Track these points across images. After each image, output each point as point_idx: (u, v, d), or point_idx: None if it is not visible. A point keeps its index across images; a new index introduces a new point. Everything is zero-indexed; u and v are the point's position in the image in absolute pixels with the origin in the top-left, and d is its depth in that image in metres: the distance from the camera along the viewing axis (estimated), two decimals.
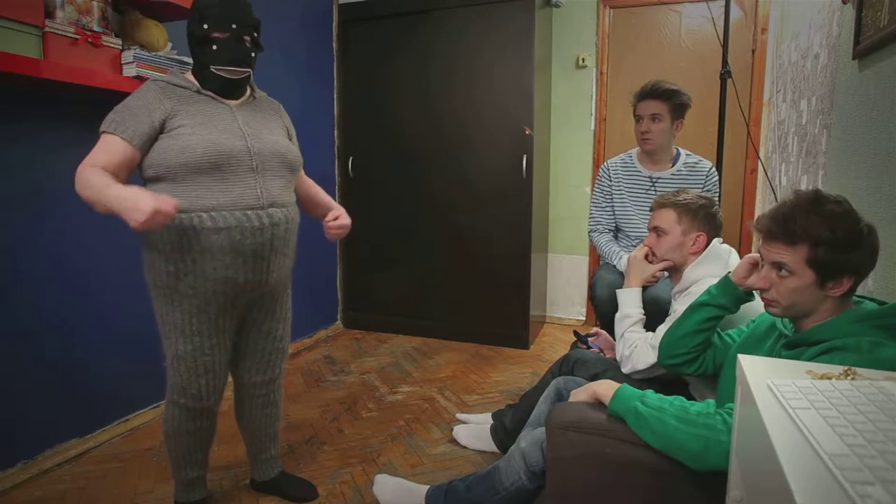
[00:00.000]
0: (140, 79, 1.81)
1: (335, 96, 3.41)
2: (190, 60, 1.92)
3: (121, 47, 1.83)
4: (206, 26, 1.36)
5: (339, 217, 1.60)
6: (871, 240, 0.98)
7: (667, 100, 2.08)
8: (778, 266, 1.02)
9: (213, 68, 1.38)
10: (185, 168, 1.32)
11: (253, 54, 1.43)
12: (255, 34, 1.43)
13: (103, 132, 1.33)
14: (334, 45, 3.37)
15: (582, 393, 1.25)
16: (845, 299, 1.01)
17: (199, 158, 1.32)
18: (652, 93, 2.10)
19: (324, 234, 1.60)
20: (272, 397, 1.65)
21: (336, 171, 3.46)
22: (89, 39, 1.72)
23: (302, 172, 1.66)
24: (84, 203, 1.24)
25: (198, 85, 1.41)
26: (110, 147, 1.30)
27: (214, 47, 1.37)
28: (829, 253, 0.97)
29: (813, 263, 0.98)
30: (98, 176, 1.24)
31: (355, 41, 3.34)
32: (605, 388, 1.18)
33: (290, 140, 1.59)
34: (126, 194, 1.18)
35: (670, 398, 1.09)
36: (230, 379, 1.58)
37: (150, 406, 2.23)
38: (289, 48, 2.97)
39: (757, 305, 1.43)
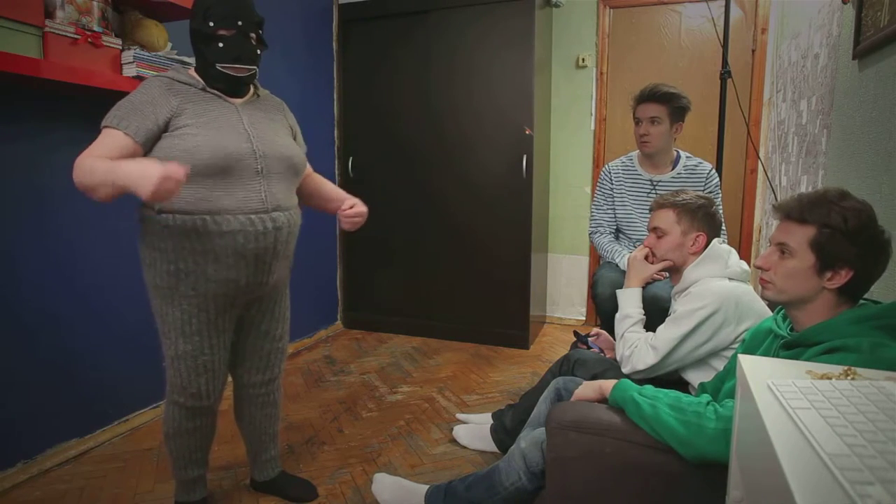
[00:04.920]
0: (140, 79, 1.81)
1: (335, 96, 3.41)
2: (190, 60, 1.93)
3: (121, 47, 1.83)
4: (211, 24, 1.35)
5: (354, 206, 1.57)
6: (882, 242, 0.98)
7: (665, 103, 2.09)
8: (781, 248, 1.04)
9: (219, 66, 1.37)
10: (191, 170, 1.29)
11: (259, 52, 1.43)
12: (260, 31, 1.43)
13: (105, 127, 1.31)
14: (334, 45, 3.37)
15: (589, 390, 1.28)
16: (843, 299, 1.01)
17: (205, 161, 1.30)
18: (650, 96, 2.11)
19: (339, 225, 1.57)
20: (272, 397, 1.65)
21: (336, 171, 3.46)
22: (89, 39, 1.72)
23: (309, 168, 1.64)
24: (84, 203, 1.23)
25: (202, 82, 1.40)
26: (112, 142, 1.29)
27: (220, 45, 1.36)
28: (832, 238, 0.98)
29: (815, 246, 0.99)
30: (102, 162, 1.22)
31: (355, 41, 3.34)
32: (610, 385, 1.22)
33: (295, 139, 1.58)
34: (133, 167, 1.16)
35: (667, 390, 1.12)
36: (230, 379, 1.58)
37: (150, 406, 2.23)
38: (289, 48, 2.97)
39: (758, 304, 1.43)
